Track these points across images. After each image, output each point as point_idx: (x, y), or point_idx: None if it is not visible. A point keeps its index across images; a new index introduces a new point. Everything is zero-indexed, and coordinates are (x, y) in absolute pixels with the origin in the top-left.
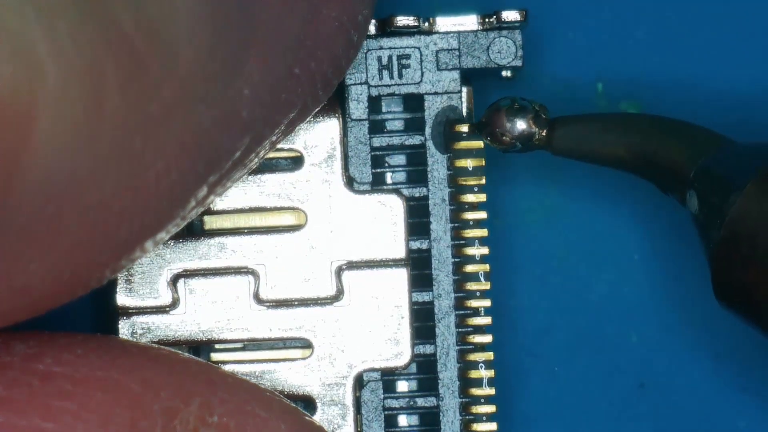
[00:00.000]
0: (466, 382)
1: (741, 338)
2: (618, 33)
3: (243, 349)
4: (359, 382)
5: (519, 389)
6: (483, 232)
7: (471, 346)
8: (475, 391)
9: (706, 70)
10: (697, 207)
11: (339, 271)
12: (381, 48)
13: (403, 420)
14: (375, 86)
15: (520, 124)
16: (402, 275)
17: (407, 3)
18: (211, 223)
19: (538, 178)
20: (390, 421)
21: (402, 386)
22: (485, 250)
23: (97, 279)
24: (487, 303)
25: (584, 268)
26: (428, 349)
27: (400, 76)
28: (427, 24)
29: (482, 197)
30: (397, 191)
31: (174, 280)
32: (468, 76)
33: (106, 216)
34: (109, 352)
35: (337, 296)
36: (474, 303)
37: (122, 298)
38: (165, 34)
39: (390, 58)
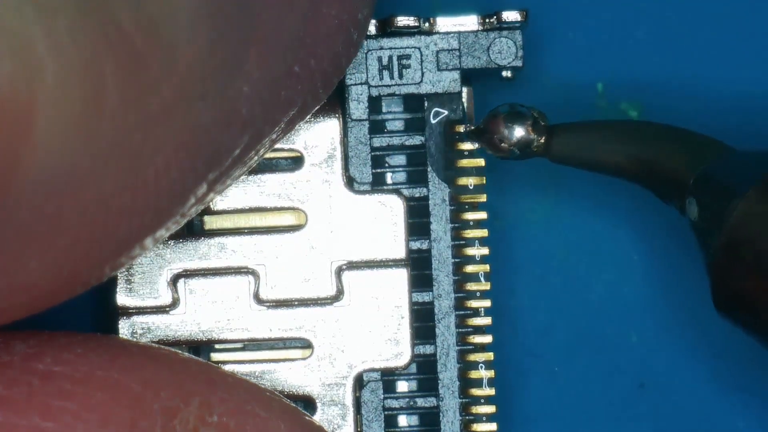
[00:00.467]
0: (466, 383)
1: (740, 338)
2: (618, 33)
3: (243, 349)
4: (359, 383)
5: (519, 389)
6: (483, 233)
7: (471, 347)
8: (475, 392)
9: (707, 71)
10: (697, 214)
11: (339, 271)
12: (381, 48)
13: (403, 420)
14: (375, 86)
15: (519, 131)
16: (402, 275)
17: (407, 3)
18: (211, 223)
19: (538, 178)
20: (390, 422)
21: (402, 386)
22: (485, 251)
23: (97, 276)
24: (487, 303)
25: (584, 269)
26: (428, 349)
27: (401, 76)
28: (427, 24)
29: (482, 197)
30: (397, 191)
31: (174, 280)
32: (468, 77)
33: (105, 214)
34: (109, 351)
35: (337, 296)
36: (474, 303)
37: (122, 298)
38: (165, 33)
39: (390, 58)
